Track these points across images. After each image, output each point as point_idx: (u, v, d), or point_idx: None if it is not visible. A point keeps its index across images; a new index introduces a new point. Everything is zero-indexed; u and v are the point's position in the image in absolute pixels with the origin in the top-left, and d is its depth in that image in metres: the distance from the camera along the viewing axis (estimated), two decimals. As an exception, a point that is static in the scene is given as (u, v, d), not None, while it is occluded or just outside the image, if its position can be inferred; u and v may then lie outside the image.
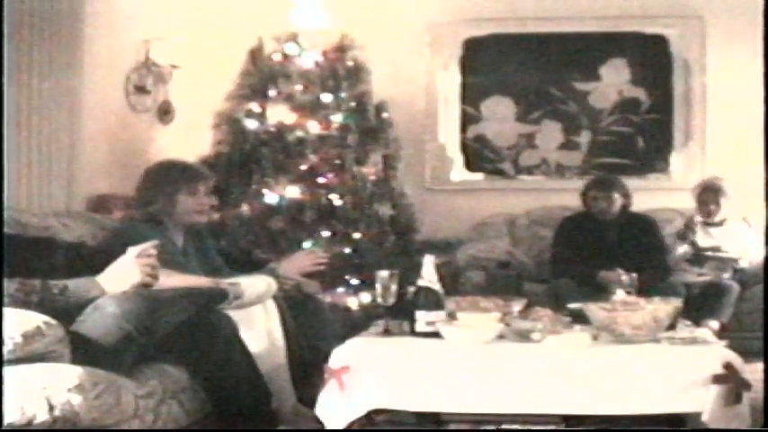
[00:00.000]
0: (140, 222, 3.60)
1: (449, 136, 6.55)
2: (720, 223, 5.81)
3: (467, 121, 6.56)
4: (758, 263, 5.51)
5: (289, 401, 3.42)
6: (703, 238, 5.75)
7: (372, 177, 5.62)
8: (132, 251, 2.85)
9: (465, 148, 6.57)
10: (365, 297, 5.33)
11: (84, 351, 2.63)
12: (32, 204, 4.38)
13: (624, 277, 4.13)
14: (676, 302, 3.27)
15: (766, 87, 3.42)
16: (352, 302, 5.35)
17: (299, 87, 5.56)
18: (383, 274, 3.24)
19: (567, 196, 6.04)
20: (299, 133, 5.49)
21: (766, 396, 2.95)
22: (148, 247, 2.87)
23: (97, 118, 5.12)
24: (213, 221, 3.97)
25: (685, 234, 5.67)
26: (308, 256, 3.86)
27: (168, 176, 3.66)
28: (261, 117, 5.55)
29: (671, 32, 6.41)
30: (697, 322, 4.47)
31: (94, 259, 2.95)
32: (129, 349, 2.74)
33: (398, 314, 3.24)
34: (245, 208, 5.40)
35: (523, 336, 3.10)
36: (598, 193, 5.48)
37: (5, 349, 2.42)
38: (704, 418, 2.76)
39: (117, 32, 5.40)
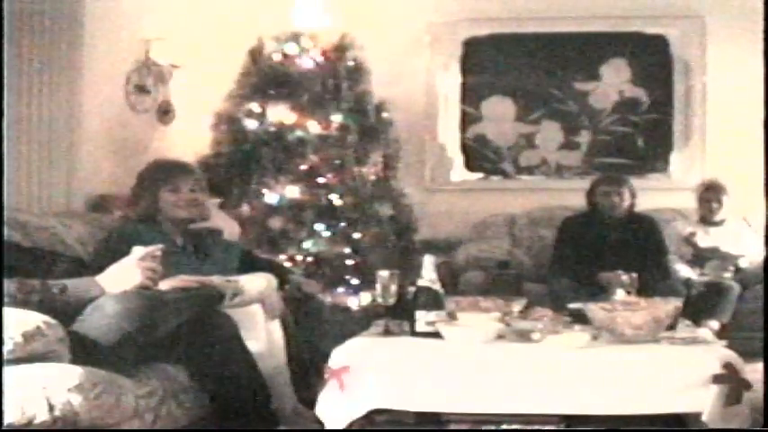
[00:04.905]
0: (135, 222, 3.61)
1: (449, 136, 6.55)
2: (720, 223, 5.82)
3: (467, 121, 6.56)
4: (758, 263, 5.52)
5: (289, 401, 3.42)
6: (703, 238, 5.76)
7: (372, 177, 5.63)
8: (137, 252, 2.84)
9: (465, 148, 6.57)
10: (365, 297, 5.33)
11: (84, 351, 2.62)
12: (32, 204, 4.38)
13: (624, 277, 4.14)
14: (676, 302, 3.26)
15: (766, 87, 3.42)
16: (353, 302, 5.35)
17: (299, 87, 5.56)
18: (383, 274, 3.23)
19: (567, 196, 6.05)
20: (299, 133, 5.49)
21: (766, 396, 2.95)
22: (153, 250, 2.86)
23: (97, 118, 5.12)
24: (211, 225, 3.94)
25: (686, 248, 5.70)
26: None
27: (151, 175, 3.68)
28: (261, 117, 5.55)
29: (671, 32, 6.42)
30: (697, 322, 4.47)
31: (93, 270, 2.93)
32: (129, 349, 2.74)
33: (398, 314, 3.24)
34: (245, 208, 5.40)
35: (523, 336, 3.10)
36: (610, 188, 5.46)
37: (5, 349, 2.42)
38: (704, 418, 2.76)
39: (117, 32, 5.39)
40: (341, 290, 5.38)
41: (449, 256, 5.78)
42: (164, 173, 3.67)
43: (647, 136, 6.47)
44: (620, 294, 3.63)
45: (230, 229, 4.08)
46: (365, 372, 2.86)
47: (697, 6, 6.37)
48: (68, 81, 4.66)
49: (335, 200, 5.46)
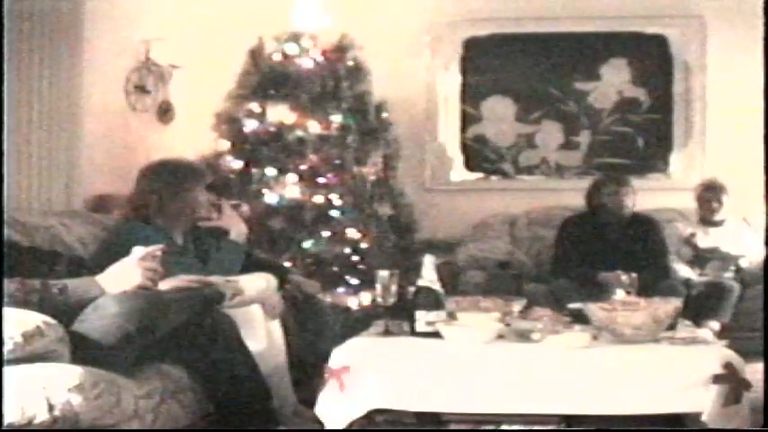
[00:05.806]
0: (138, 223, 3.59)
1: (449, 136, 6.55)
2: (720, 223, 5.82)
3: (467, 121, 6.56)
4: (758, 263, 5.52)
5: (289, 401, 3.42)
6: (703, 239, 5.75)
7: (372, 177, 5.63)
8: (137, 252, 2.83)
9: (465, 148, 6.57)
10: (365, 297, 5.33)
11: (84, 351, 2.62)
12: (32, 204, 4.38)
13: (624, 277, 4.14)
14: (676, 302, 3.26)
15: (766, 87, 3.42)
16: (353, 302, 5.35)
17: (299, 87, 5.56)
18: (383, 274, 3.23)
19: (567, 196, 6.05)
20: (299, 133, 5.50)
21: (766, 396, 2.95)
22: (154, 250, 2.86)
23: (97, 118, 5.12)
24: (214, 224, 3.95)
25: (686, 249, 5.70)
26: None
27: (166, 175, 3.65)
28: (261, 117, 5.55)
29: (671, 32, 6.42)
30: (697, 322, 4.47)
31: (93, 270, 2.93)
32: (129, 349, 2.73)
33: (398, 314, 3.24)
34: (245, 208, 5.40)
35: (523, 336, 3.10)
36: (618, 188, 5.45)
37: (5, 349, 2.42)
38: (704, 418, 2.76)
39: (117, 32, 5.40)
40: (341, 290, 5.38)
41: (449, 256, 5.77)
42: (180, 174, 3.66)
43: (647, 136, 6.47)
44: (620, 294, 3.62)
45: (237, 229, 4.09)
46: (365, 372, 2.86)
47: (697, 6, 6.36)
48: (68, 81, 4.66)
49: (335, 200, 5.46)
